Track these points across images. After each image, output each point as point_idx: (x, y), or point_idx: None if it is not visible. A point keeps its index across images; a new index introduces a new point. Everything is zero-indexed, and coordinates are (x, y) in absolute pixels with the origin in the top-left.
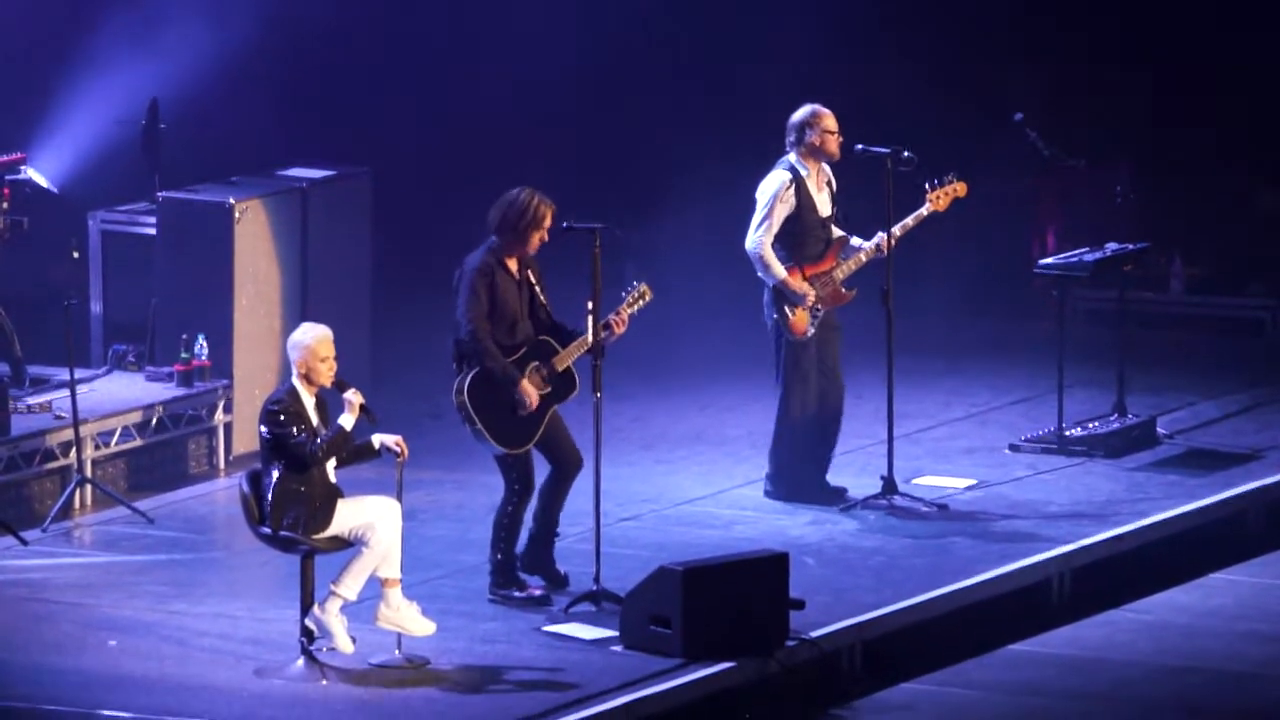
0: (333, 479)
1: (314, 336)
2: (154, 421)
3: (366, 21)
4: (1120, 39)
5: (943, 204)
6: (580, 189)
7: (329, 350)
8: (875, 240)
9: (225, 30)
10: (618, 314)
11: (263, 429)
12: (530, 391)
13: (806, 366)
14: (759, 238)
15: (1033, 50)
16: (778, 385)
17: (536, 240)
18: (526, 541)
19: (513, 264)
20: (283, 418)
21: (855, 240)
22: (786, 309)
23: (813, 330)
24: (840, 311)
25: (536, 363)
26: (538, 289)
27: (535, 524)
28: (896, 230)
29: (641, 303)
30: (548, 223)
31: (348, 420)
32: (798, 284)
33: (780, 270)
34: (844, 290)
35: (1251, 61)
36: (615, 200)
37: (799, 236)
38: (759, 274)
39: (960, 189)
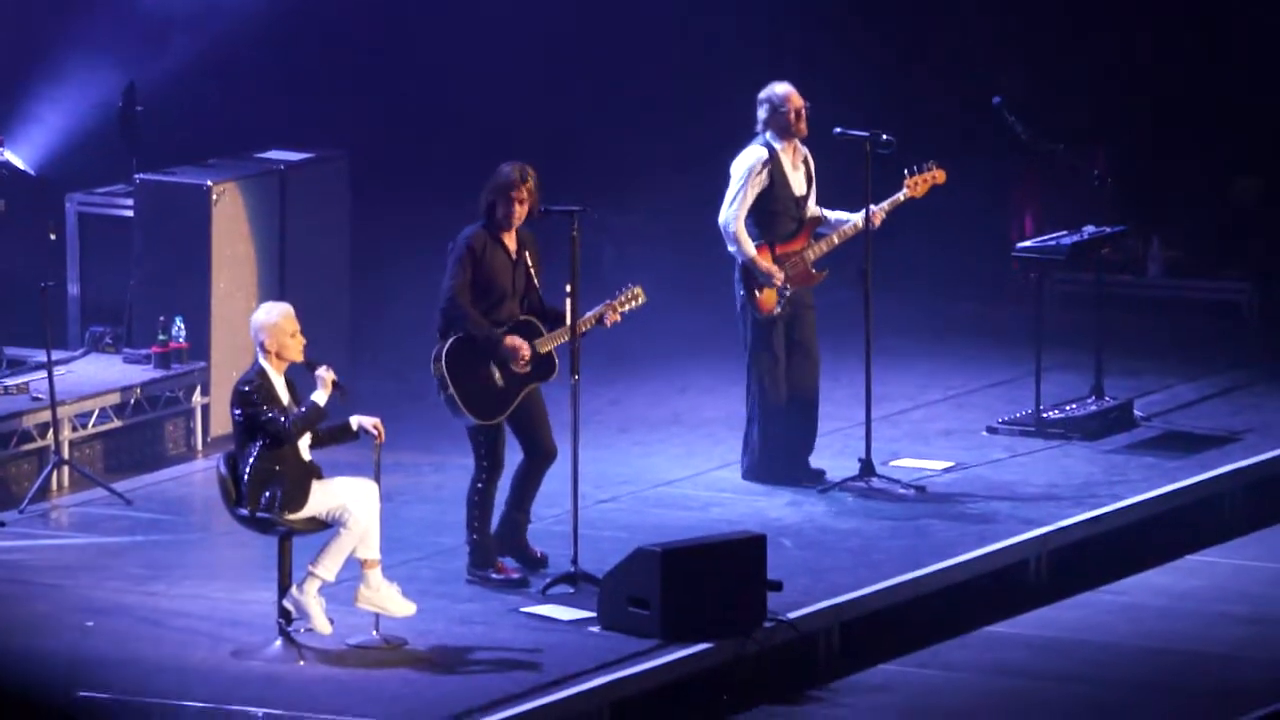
0: (307, 457)
1: (280, 313)
2: (131, 403)
3: (343, 6)
4: (1098, 22)
5: (920, 190)
6: (557, 172)
7: (295, 325)
8: (851, 221)
9: (203, 12)
10: (613, 309)
11: (235, 410)
12: (517, 343)
13: (775, 345)
14: (732, 213)
15: (1010, 32)
16: (746, 363)
17: (515, 206)
18: (499, 526)
19: (510, 241)
20: (255, 396)
21: (833, 215)
22: (754, 287)
23: (780, 309)
24: (818, 293)
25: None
26: (532, 271)
27: (507, 510)
28: (874, 212)
29: (634, 304)
30: (526, 182)
31: (320, 396)
32: (766, 264)
33: (750, 248)
34: (814, 271)
35: (1229, 47)
36: (592, 182)
37: (772, 214)
38: (730, 249)
39: (939, 176)
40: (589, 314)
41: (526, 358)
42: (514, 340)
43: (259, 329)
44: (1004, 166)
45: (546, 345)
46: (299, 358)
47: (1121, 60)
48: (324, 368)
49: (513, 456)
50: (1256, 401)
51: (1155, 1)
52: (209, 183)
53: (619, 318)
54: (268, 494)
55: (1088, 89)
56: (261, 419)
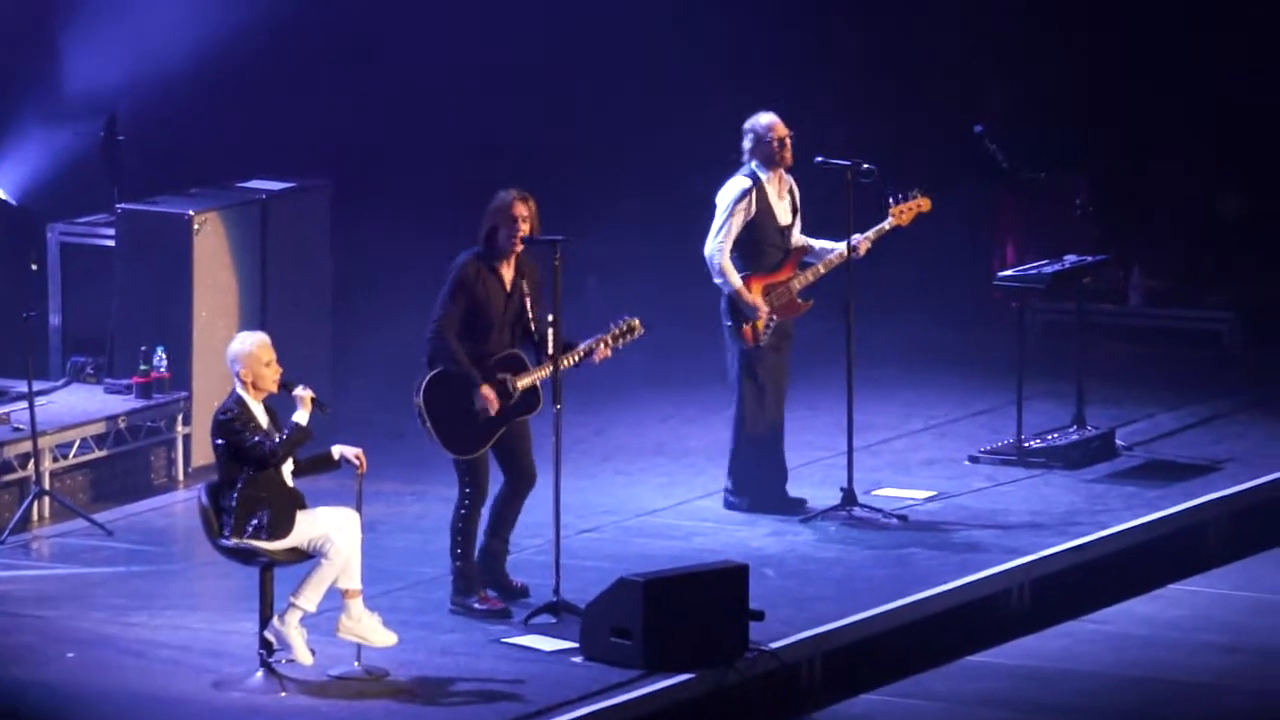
0: (290, 484)
1: (254, 343)
2: (113, 433)
3: (326, 34)
4: (1080, 50)
5: (906, 219)
6: (541, 201)
7: (271, 354)
8: (836, 250)
9: (185, 41)
10: (604, 345)
11: (216, 440)
12: (490, 396)
13: (761, 375)
14: (718, 244)
15: (994, 61)
16: (732, 393)
17: (519, 224)
18: (479, 555)
19: (506, 271)
20: (236, 424)
21: (818, 244)
22: (740, 318)
23: (765, 340)
24: (799, 322)
25: (506, 374)
26: (528, 301)
27: (485, 538)
28: (859, 241)
29: (629, 337)
30: (517, 211)
31: (302, 416)
32: (751, 297)
33: (736, 280)
34: (800, 301)
35: (1213, 75)
36: (575, 210)
37: (757, 245)
38: (715, 280)
39: (924, 204)
40: (578, 347)
41: (494, 412)
42: (488, 393)
43: (235, 358)
44: (986, 195)
45: (527, 381)
46: (274, 388)
47: (1104, 89)
48: (301, 387)
49: (496, 483)
50: (1238, 430)
51: (1138, 29)
52: (190, 212)
53: (609, 353)
54: (254, 521)
55: (1069, 118)
56: (246, 444)
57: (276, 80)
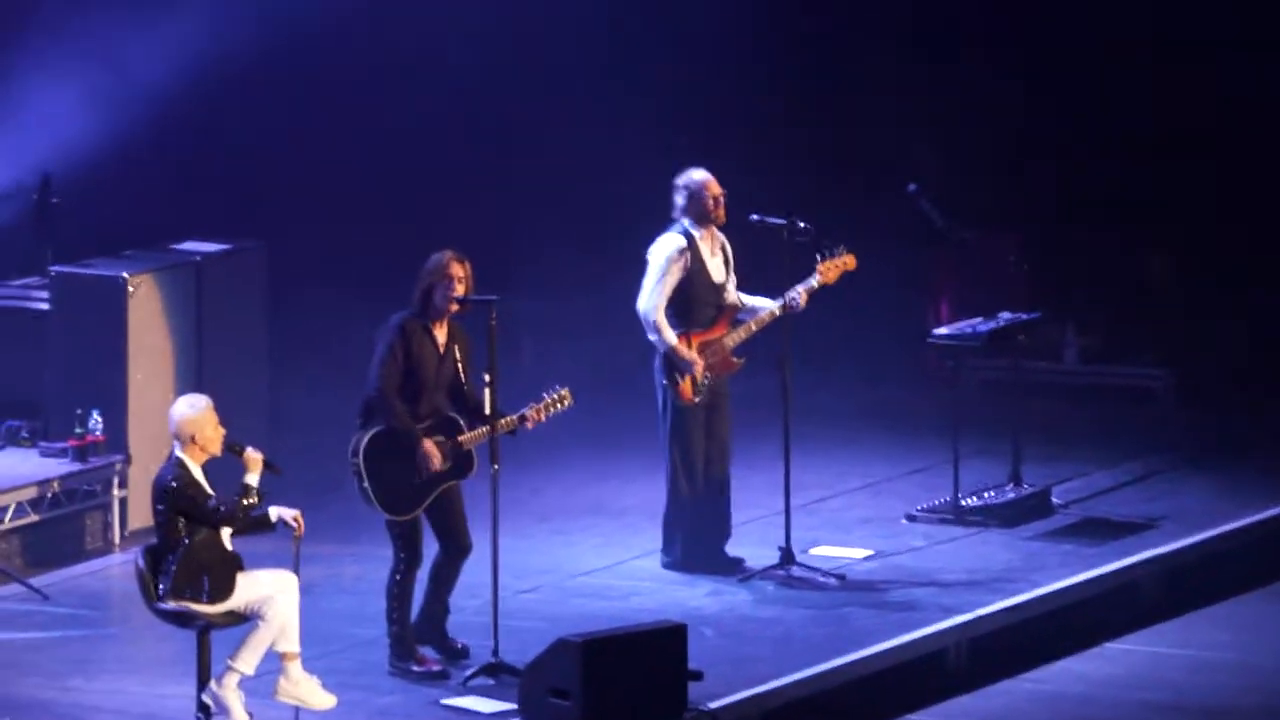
0: (230, 548)
1: (204, 406)
2: (49, 497)
3: (259, 96)
4: (1012, 106)
5: (832, 276)
6: (477, 261)
7: (215, 417)
8: (768, 308)
9: (116, 104)
10: (536, 411)
11: (159, 505)
12: (433, 451)
13: (694, 433)
14: (652, 302)
15: (926, 119)
16: (665, 452)
17: (455, 284)
18: (419, 617)
19: (440, 333)
20: (188, 490)
21: (751, 301)
22: (675, 375)
23: (700, 398)
24: (734, 381)
25: (441, 437)
26: (460, 365)
27: (426, 601)
28: (793, 298)
29: (560, 406)
30: (453, 271)
31: (252, 477)
32: (686, 352)
33: (671, 336)
34: (733, 359)
35: (1143, 129)
36: (510, 271)
37: (690, 302)
38: (650, 337)
39: (850, 262)
40: (512, 415)
41: (436, 468)
42: (429, 448)
43: (183, 423)
44: (920, 253)
45: (470, 443)
46: (219, 451)
47: (1034, 146)
48: (251, 448)
49: (431, 547)
50: (1173, 488)
51: (1070, 85)
52: (125, 275)
53: (543, 418)
54: (195, 584)
55: (1003, 172)
56: (206, 508)
57: (211, 140)
